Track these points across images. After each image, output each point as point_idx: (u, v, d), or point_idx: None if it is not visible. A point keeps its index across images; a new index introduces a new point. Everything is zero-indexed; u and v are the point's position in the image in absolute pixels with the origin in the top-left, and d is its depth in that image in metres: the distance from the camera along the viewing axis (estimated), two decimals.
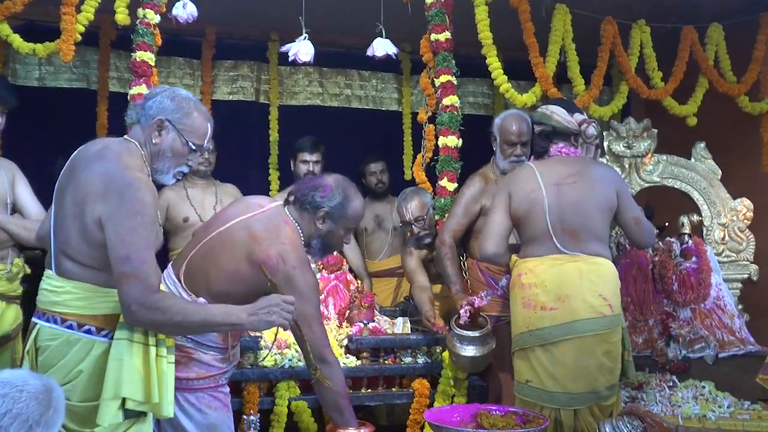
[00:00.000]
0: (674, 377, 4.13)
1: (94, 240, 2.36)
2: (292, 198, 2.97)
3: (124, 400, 2.35)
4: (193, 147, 2.57)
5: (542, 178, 3.39)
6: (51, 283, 2.43)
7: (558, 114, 3.49)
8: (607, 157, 4.73)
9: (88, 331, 2.39)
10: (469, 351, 3.61)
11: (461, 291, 3.92)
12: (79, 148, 2.58)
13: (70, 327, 2.38)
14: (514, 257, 3.53)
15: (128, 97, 3.85)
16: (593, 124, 3.52)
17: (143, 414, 2.44)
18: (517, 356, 3.39)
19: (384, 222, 5.47)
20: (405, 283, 5.32)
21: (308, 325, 2.77)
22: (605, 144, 4.74)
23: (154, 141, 2.52)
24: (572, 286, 3.26)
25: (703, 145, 4.77)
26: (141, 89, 3.80)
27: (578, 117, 3.52)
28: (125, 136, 2.56)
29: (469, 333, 3.62)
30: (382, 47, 4.31)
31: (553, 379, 3.25)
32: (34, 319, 2.46)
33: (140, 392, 2.37)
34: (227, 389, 2.92)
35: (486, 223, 3.56)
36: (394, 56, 4.37)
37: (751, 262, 4.64)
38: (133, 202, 2.32)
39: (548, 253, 3.34)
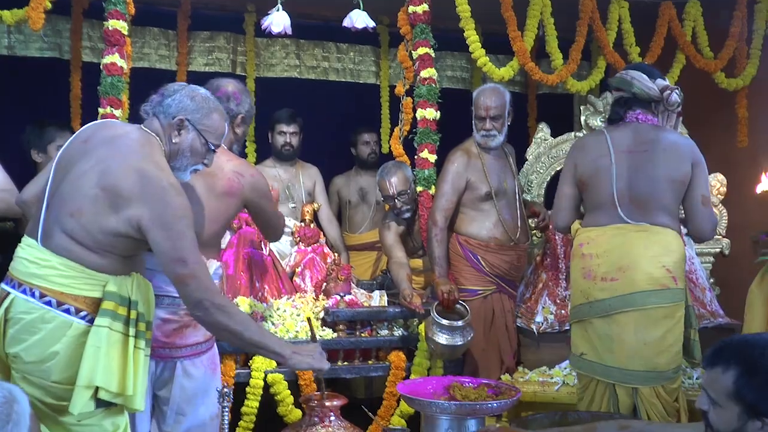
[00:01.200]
0: None
1: (115, 231, 2.38)
2: None
3: (97, 389, 2.33)
4: (212, 147, 2.60)
5: (613, 145, 3.26)
6: (33, 254, 2.39)
7: (639, 80, 3.31)
8: (584, 131, 4.74)
9: (67, 311, 2.35)
10: (448, 340, 3.61)
11: (444, 276, 3.92)
12: (90, 127, 2.59)
13: (48, 303, 2.35)
14: (575, 225, 3.45)
15: (101, 66, 3.78)
16: (676, 90, 3.36)
17: (114, 405, 2.41)
18: (574, 328, 3.32)
19: (368, 195, 5.47)
20: (384, 257, 5.34)
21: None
22: (582, 118, 4.75)
23: (174, 140, 2.55)
24: (634, 256, 3.14)
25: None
26: (113, 58, 3.75)
27: (660, 83, 3.35)
28: (143, 127, 2.56)
29: (451, 323, 3.61)
30: (360, 19, 4.27)
31: (610, 352, 3.16)
32: (5, 288, 2.41)
33: (115, 383, 2.35)
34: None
35: (556, 196, 3.47)
36: (370, 29, 4.33)
37: (724, 237, 4.68)
38: (176, 206, 2.38)
39: (611, 222, 3.22)
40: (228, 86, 3.14)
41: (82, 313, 2.37)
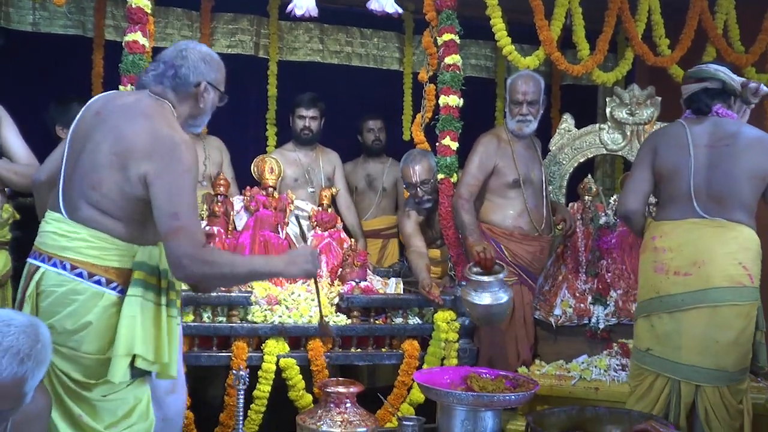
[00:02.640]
0: None
1: (131, 194, 2.39)
2: None
3: (133, 358, 2.36)
4: (224, 95, 2.66)
5: (693, 138, 3.17)
6: (62, 227, 2.41)
7: (723, 71, 3.22)
8: (609, 123, 4.67)
9: (98, 282, 2.39)
10: (485, 299, 3.49)
11: (478, 239, 3.87)
12: (99, 98, 2.60)
13: (80, 275, 2.38)
14: (648, 219, 3.34)
15: (123, 44, 3.76)
16: (762, 84, 3.26)
17: (148, 374, 2.45)
18: (640, 323, 3.21)
19: (375, 182, 5.43)
20: (391, 244, 5.33)
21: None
22: (607, 110, 4.68)
23: (200, 105, 2.57)
24: (709, 252, 3.04)
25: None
26: (136, 36, 3.71)
27: (738, 79, 3.27)
28: (151, 94, 2.55)
29: (486, 278, 3.51)
30: (389, 4, 4.19)
31: (677, 349, 3.06)
32: (34, 262, 2.44)
33: (151, 351, 2.39)
34: None
35: (627, 180, 3.39)
36: (395, 15, 4.27)
37: None
38: (182, 162, 2.37)
39: (686, 216, 3.12)
40: None
41: (113, 284, 2.41)
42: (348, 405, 2.93)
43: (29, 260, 2.47)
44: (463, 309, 3.69)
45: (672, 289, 3.08)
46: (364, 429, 2.95)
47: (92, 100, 2.61)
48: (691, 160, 3.13)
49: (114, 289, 2.41)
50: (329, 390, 2.96)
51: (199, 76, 2.55)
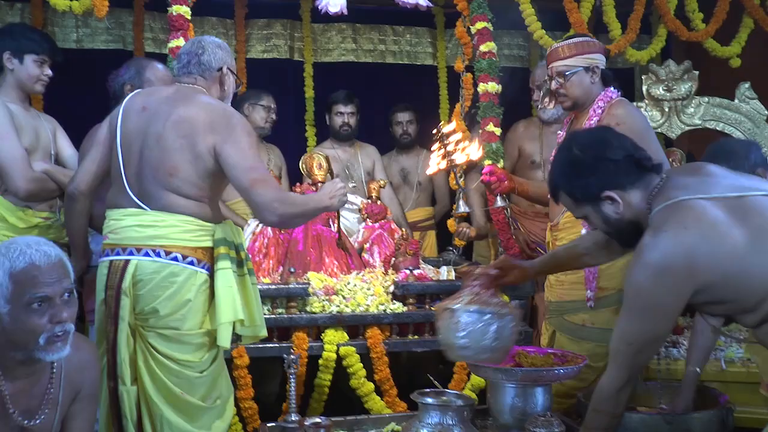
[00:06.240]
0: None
1: (205, 169, 2.62)
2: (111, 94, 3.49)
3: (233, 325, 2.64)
4: (240, 79, 2.98)
5: None
6: (145, 219, 2.60)
7: None
8: (646, 101, 4.67)
9: (191, 263, 2.62)
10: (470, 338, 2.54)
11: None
12: (135, 98, 2.78)
13: (175, 259, 2.60)
14: None
15: (168, 51, 3.87)
16: None
17: (238, 339, 2.78)
18: None
19: (409, 175, 5.48)
20: (428, 236, 5.38)
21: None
22: (644, 88, 4.68)
23: (225, 88, 2.84)
24: None
25: (747, 85, 4.65)
26: (179, 42, 3.82)
27: None
28: (183, 84, 2.79)
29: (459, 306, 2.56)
30: None
31: None
32: (121, 257, 2.61)
33: (247, 316, 2.68)
34: None
35: None
36: (425, 7, 4.31)
37: None
38: (242, 126, 2.66)
39: None
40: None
41: (202, 263, 2.64)
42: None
43: (111, 258, 2.63)
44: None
45: None
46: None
47: (128, 100, 2.78)
48: None
49: (203, 267, 2.64)
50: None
51: (219, 62, 2.81)
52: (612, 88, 3.27)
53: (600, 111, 3.19)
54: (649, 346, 2.17)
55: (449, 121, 4.99)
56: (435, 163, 3.66)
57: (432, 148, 3.72)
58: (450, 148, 3.56)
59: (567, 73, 3.27)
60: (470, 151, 3.58)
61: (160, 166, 2.61)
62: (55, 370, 2.20)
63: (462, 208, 3.63)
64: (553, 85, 3.33)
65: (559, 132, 3.55)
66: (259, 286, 2.93)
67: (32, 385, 2.16)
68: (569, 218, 3.22)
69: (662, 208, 2.12)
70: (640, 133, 3.02)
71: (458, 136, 3.61)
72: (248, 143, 2.62)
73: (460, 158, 3.55)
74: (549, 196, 2.42)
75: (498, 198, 3.62)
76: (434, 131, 3.64)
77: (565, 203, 2.34)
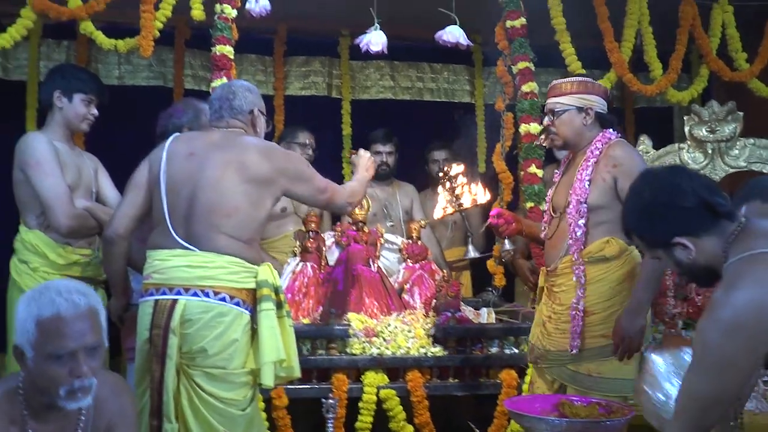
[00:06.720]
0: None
1: (267, 214, 2.81)
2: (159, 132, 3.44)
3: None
4: (270, 120, 3.09)
5: None
6: (195, 260, 2.65)
7: None
8: (688, 142, 4.61)
9: (237, 303, 2.67)
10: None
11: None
12: (179, 143, 2.83)
13: (223, 299, 2.65)
14: None
15: (210, 89, 3.90)
16: None
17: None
18: None
19: (462, 217, 5.39)
20: (463, 276, 5.28)
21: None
22: (686, 129, 4.62)
23: (257, 129, 2.95)
24: None
25: None
26: (221, 82, 3.83)
27: None
28: (227, 130, 2.88)
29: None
30: (453, 34, 4.22)
31: None
32: (168, 297, 2.64)
33: (287, 356, 2.73)
34: None
35: None
36: (465, 46, 4.31)
37: None
38: (296, 160, 2.96)
39: None
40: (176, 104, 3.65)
41: (246, 305, 2.70)
42: None
43: (157, 297, 2.65)
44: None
45: None
46: None
47: (170, 145, 2.82)
48: None
49: (246, 308, 2.71)
50: None
51: (250, 104, 2.92)
52: (611, 130, 3.22)
53: (598, 152, 3.12)
54: (716, 406, 2.09)
55: (488, 159, 4.97)
56: (442, 207, 3.63)
57: (439, 191, 3.70)
58: (458, 191, 3.52)
59: (557, 111, 3.21)
60: (477, 194, 3.54)
61: (217, 207, 2.68)
62: (83, 416, 2.18)
63: (508, 245, 3.54)
64: (545, 121, 3.29)
65: (556, 171, 3.49)
66: (298, 326, 2.97)
67: (62, 429, 2.15)
68: (568, 263, 3.15)
69: (738, 261, 2.06)
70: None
71: (464, 179, 3.58)
72: (306, 171, 2.89)
73: (467, 201, 3.52)
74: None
75: (506, 241, 3.53)
76: (441, 173, 3.66)
77: (638, 244, 2.35)
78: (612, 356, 3.08)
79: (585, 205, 3.06)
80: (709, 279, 2.15)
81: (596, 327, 3.08)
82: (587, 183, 3.07)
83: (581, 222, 3.06)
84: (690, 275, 2.24)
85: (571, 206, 3.09)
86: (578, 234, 3.07)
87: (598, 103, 3.22)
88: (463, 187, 3.56)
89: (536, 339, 3.25)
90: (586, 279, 3.06)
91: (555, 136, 3.25)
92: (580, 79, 3.30)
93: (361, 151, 3.32)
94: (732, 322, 1.96)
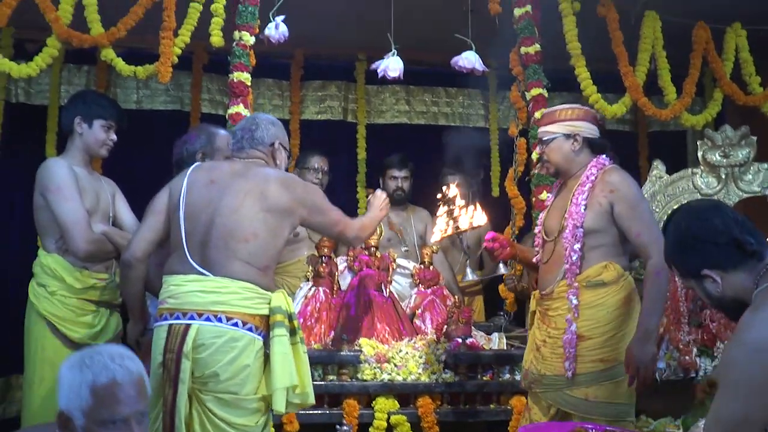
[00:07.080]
0: None
1: (284, 241, 2.85)
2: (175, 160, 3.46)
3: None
4: (290, 153, 3.19)
5: None
6: (209, 285, 2.68)
7: None
8: (702, 167, 4.60)
9: (250, 329, 2.69)
10: None
11: None
12: (199, 172, 2.89)
13: (236, 325, 2.67)
14: None
15: (227, 117, 3.95)
16: None
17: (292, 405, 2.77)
18: None
19: (457, 239, 5.38)
20: (476, 302, 5.28)
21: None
22: (699, 153, 4.61)
23: (278, 162, 3.02)
24: None
25: None
26: (238, 109, 3.91)
27: None
28: (248, 160, 2.94)
29: None
30: (470, 59, 4.26)
31: None
32: (181, 321, 2.67)
33: (299, 383, 2.73)
34: None
35: None
36: (481, 72, 4.34)
37: None
38: (314, 192, 3.00)
39: None
40: (191, 130, 3.65)
41: (259, 330, 2.72)
42: None
43: (170, 322, 2.68)
44: None
45: None
46: None
47: (191, 173, 2.87)
48: None
49: (259, 334, 2.72)
50: None
51: (272, 137, 2.99)
52: (604, 156, 3.24)
53: (593, 177, 3.14)
54: (740, 429, 2.10)
55: (501, 184, 4.98)
56: (440, 230, 3.62)
57: (437, 214, 3.69)
58: (455, 213, 3.52)
59: (545, 139, 3.26)
60: (475, 216, 3.55)
61: (234, 233, 2.72)
62: None
63: (503, 269, 3.59)
64: (538, 149, 3.33)
65: (549, 195, 3.51)
66: (310, 352, 2.97)
67: None
68: (564, 287, 3.16)
69: (766, 288, 2.10)
70: (633, 202, 3.08)
71: (462, 201, 3.58)
72: (324, 203, 2.95)
73: (464, 223, 3.52)
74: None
75: (501, 265, 3.56)
76: (439, 196, 3.64)
77: (675, 272, 2.38)
78: (607, 381, 3.10)
79: (581, 230, 3.09)
80: (737, 312, 2.17)
81: (593, 351, 3.09)
82: (583, 207, 3.10)
83: (576, 246, 3.10)
84: (719, 307, 2.29)
85: (567, 230, 3.12)
86: (574, 258, 3.10)
87: (587, 129, 3.25)
88: (460, 209, 3.56)
89: (530, 364, 3.25)
90: (580, 302, 3.08)
91: (547, 164, 3.30)
92: (567, 106, 3.34)
93: (378, 192, 3.37)
94: (758, 343, 1.98)
